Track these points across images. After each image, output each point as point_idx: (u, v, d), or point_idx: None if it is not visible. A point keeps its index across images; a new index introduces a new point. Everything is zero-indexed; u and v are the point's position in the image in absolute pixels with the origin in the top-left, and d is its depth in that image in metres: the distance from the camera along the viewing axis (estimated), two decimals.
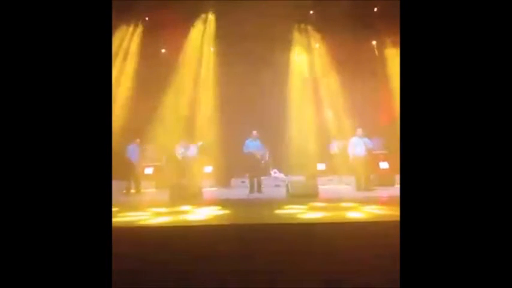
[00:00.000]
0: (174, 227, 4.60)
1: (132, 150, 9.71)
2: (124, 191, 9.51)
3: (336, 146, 11.74)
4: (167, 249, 3.38)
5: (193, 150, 11.21)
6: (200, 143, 11.56)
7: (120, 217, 5.28)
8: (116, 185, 9.76)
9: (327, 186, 10.60)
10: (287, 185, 8.17)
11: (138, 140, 9.84)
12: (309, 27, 12.90)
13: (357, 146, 9.03)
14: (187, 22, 12.06)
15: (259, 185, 8.97)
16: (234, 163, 11.33)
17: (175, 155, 10.49)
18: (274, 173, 11.51)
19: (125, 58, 12.32)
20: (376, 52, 12.93)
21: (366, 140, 9.04)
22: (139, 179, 9.82)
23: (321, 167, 12.21)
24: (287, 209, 5.82)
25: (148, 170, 10.85)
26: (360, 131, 9.11)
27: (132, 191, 9.68)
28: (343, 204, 6.31)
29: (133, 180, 9.67)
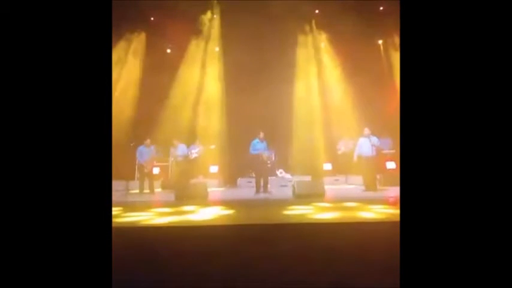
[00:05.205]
0: (179, 227, 4.61)
1: (142, 151, 9.80)
2: (137, 191, 9.66)
3: (343, 146, 11.72)
4: (171, 249, 3.39)
5: (202, 151, 11.28)
6: (213, 146, 11.64)
7: (128, 217, 5.31)
8: (124, 185, 9.85)
9: (333, 186, 10.57)
10: (293, 185, 8.15)
11: (148, 141, 9.92)
12: (315, 27, 12.89)
13: (363, 146, 8.95)
14: (192, 22, 12.12)
15: (266, 185, 8.97)
16: (240, 163, 11.37)
17: (181, 155, 10.54)
18: (280, 173, 11.53)
19: (131, 60, 12.42)
20: (383, 50, 12.89)
21: (374, 138, 8.95)
22: (148, 179, 9.88)
23: (327, 167, 12.19)
24: (293, 209, 5.81)
25: (155, 170, 10.90)
26: (367, 130, 9.03)
27: (136, 191, 9.81)
28: (349, 204, 6.28)
29: (141, 180, 9.78)
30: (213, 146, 11.75)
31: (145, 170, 9.78)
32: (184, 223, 4.79)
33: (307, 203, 6.35)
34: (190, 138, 11.55)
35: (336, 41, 12.47)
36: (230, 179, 11.62)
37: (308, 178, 10.76)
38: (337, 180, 11.65)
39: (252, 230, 4.36)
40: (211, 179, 11.25)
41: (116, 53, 11.86)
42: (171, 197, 7.90)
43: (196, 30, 12.38)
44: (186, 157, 10.66)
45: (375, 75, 11.74)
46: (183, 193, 7.72)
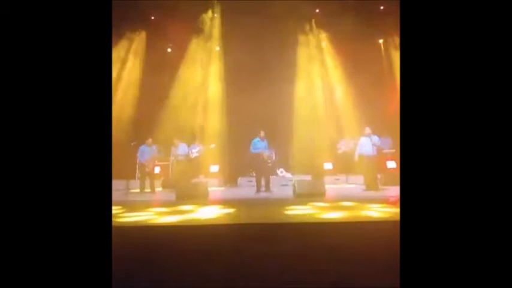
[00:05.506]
0: (180, 226, 4.61)
1: (143, 151, 9.81)
2: (138, 190, 9.69)
3: (343, 146, 11.72)
4: (172, 249, 3.39)
5: (203, 150, 11.29)
6: (213, 145, 11.65)
7: (129, 216, 5.31)
8: (124, 184, 9.86)
9: (334, 186, 10.57)
10: (294, 184, 8.14)
11: (149, 141, 9.93)
12: (315, 26, 12.89)
13: (365, 146, 8.94)
14: (193, 22, 12.13)
15: (267, 184, 8.97)
16: (241, 162, 11.37)
17: (182, 155, 10.54)
18: (281, 172, 11.53)
19: (132, 59, 12.43)
20: (383, 50, 12.89)
21: (375, 138, 8.94)
22: (149, 178, 9.88)
23: (328, 166, 12.19)
24: (293, 208, 5.80)
25: (155, 170, 10.90)
26: (368, 129, 9.02)
27: (136, 190, 9.84)
28: (350, 204, 6.27)
29: (142, 179, 9.79)
30: (213, 145, 11.76)
31: (147, 169, 9.80)
32: (184, 222, 4.79)
33: (308, 203, 6.35)
34: (191, 138, 11.55)
35: (336, 41, 12.47)
36: (231, 178, 11.62)
37: (309, 177, 10.75)
38: (337, 179, 11.64)
39: (252, 229, 4.36)
40: (212, 178, 11.26)
41: (116, 52, 11.86)
42: (171, 196, 7.90)
43: (196, 30, 12.38)
44: (186, 156, 10.66)
45: (375, 75, 11.73)
46: (184, 192, 7.72)
